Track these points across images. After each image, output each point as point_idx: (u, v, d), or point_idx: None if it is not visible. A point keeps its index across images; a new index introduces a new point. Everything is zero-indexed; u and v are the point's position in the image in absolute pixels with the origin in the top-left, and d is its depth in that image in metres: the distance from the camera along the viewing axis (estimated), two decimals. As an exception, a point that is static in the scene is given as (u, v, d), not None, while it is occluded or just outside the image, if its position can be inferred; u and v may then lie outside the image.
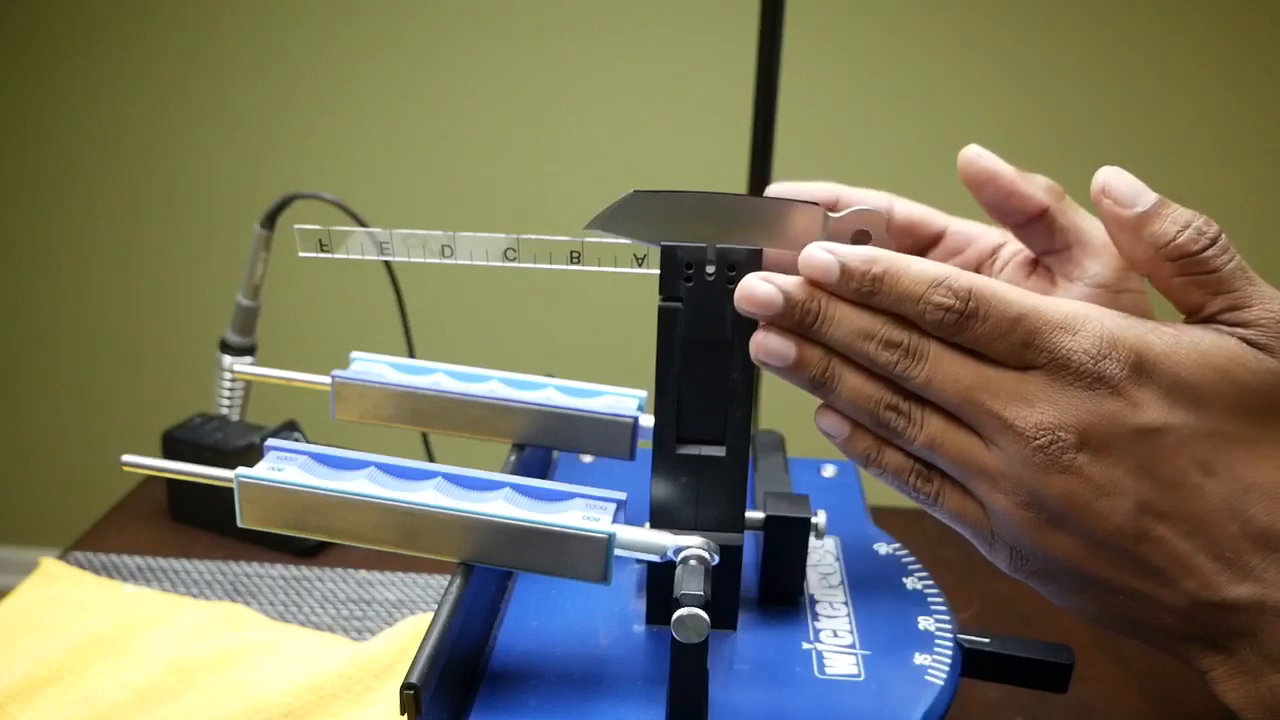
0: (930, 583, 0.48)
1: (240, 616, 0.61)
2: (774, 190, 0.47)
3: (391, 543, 0.40)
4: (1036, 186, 0.43)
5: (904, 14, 1.50)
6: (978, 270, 0.46)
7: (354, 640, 0.60)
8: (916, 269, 0.34)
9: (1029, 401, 0.33)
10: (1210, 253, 0.33)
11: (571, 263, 0.44)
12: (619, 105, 1.57)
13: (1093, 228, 0.43)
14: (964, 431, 0.34)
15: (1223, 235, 0.34)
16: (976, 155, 0.44)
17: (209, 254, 1.65)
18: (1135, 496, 0.32)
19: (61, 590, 0.63)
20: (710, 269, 0.40)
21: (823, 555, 0.50)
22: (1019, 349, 0.33)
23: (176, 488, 0.73)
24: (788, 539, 0.45)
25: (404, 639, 0.57)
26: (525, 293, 1.64)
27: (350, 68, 1.57)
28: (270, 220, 0.75)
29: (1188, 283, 0.34)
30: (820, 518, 0.45)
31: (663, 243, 0.41)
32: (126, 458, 0.43)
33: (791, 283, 0.36)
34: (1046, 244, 0.44)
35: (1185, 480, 0.32)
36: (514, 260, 0.44)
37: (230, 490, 0.40)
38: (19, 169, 1.67)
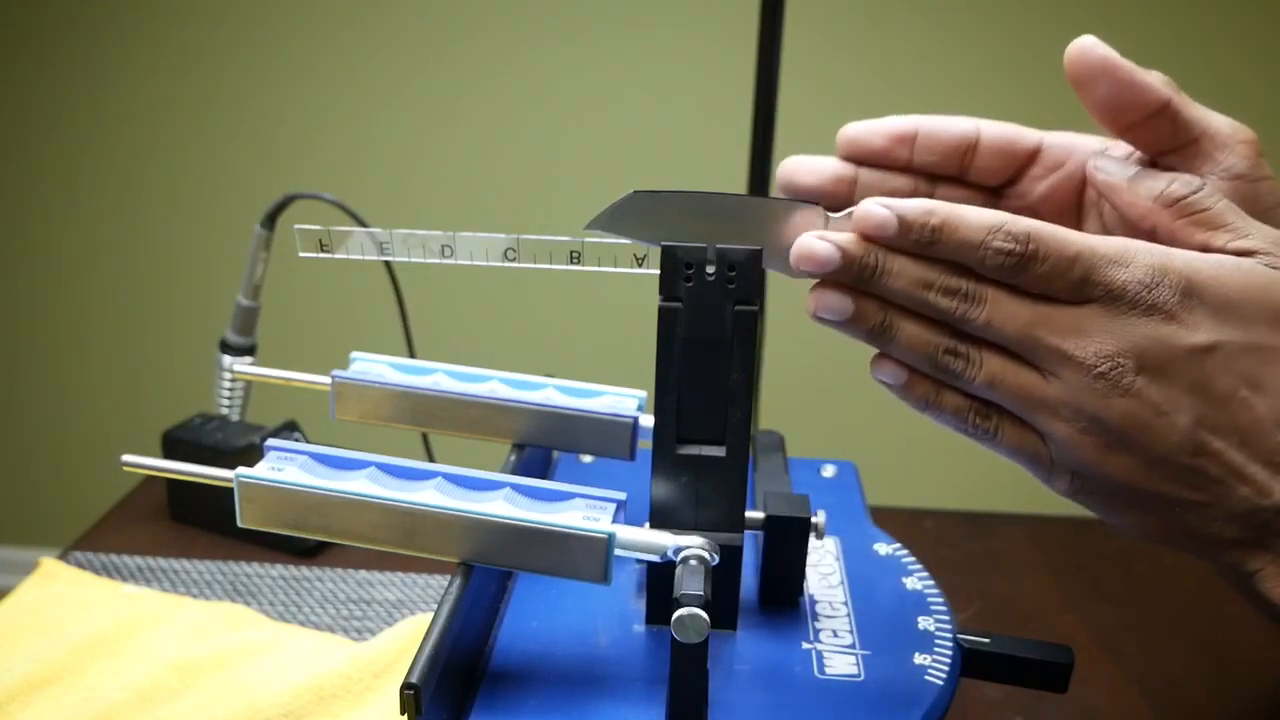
0: (930, 583, 0.48)
1: (240, 616, 0.61)
2: (847, 130, 0.47)
3: (391, 543, 0.40)
4: (1156, 79, 0.42)
5: (904, 14, 1.50)
6: (1083, 184, 0.45)
7: (354, 640, 0.60)
8: (974, 217, 0.35)
9: (1087, 333, 0.35)
10: (1200, 195, 0.37)
11: (571, 263, 0.44)
12: (619, 105, 1.57)
13: (1217, 120, 0.42)
14: (1023, 367, 0.36)
15: (1207, 183, 0.37)
16: (1092, 45, 0.43)
17: (209, 254, 1.65)
18: (1192, 413, 0.35)
19: (61, 590, 0.63)
20: (710, 269, 0.40)
21: (823, 555, 0.50)
22: (1076, 285, 0.35)
23: (176, 488, 0.73)
24: (788, 539, 0.45)
25: (404, 639, 0.57)
26: (525, 293, 1.64)
27: (350, 68, 1.57)
28: (270, 220, 0.75)
29: (1188, 223, 0.37)
30: (820, 518, 0.45)
31: (663, 243, 0.41)
32: (126, 458, 0.43)
33: (847, 239, 0.37)
34: (1169, 141, 0.41)
35: (1235, 394, 0.35)
36: (514, 260, 0.44)
37: (230, 490, 0.40)
38: (19, 169, 1.67)
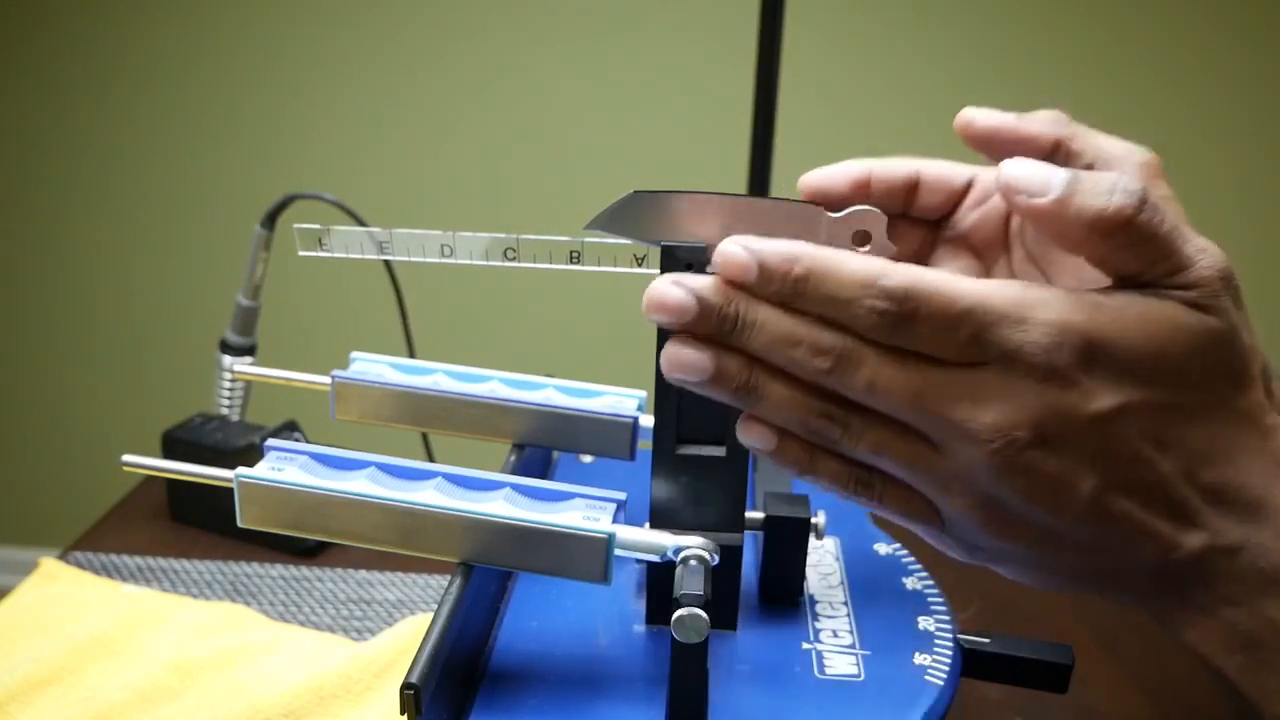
0: (930, 583, 0.48)
1: (240, 616, 0.61)
2: (809, 179, 0.44)
3: (391, 543, 0.40)
4: (1040, 123, 0.41)
5: (904, 14, 1.50)
6: (1008, 214, 0.44)
7: (354, 640, 0.60)
8: (846, 269, 0.31)
9: (980, 402, 0.31)
10: (1144, 216, 0.31)
11: (571, 263, 0.44)
12: (619, 105, 1.57)
13: (1108, 145, 0.41)
14: (910, 437, 0.33)
15: (1147, 192, 0.31)
16: (971, 119, 0.42)
17: (209, 254, 1.65)
18: (1093, 481, 0.32)
19: (61, 590, 0.63)
20: (710, 269, 0.40)
21: (823, 555, 0.50)
22: (966, 346, 0.31)
23: (176, 488, 0.73)
24: (788, 539, 0.45)
25: (404, 639, 0.57)
26: (525, 293, 1.64)
27: (350, 68, 1.57)
28: (270, 220, 0.75)
29: (1125, 253, 0.32)
30: (820, 518, 0.45)
31: (663, 243, 0.41)
32: (126, 458, 0.43)
33: (706, 285, 0.33)
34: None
35: (1139, 455, 0.32)
36: (514, 260, 0.44)
37: (230, 490, 0.40)
38: (19, 169, 1.67)
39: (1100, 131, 0.41)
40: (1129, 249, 0.32)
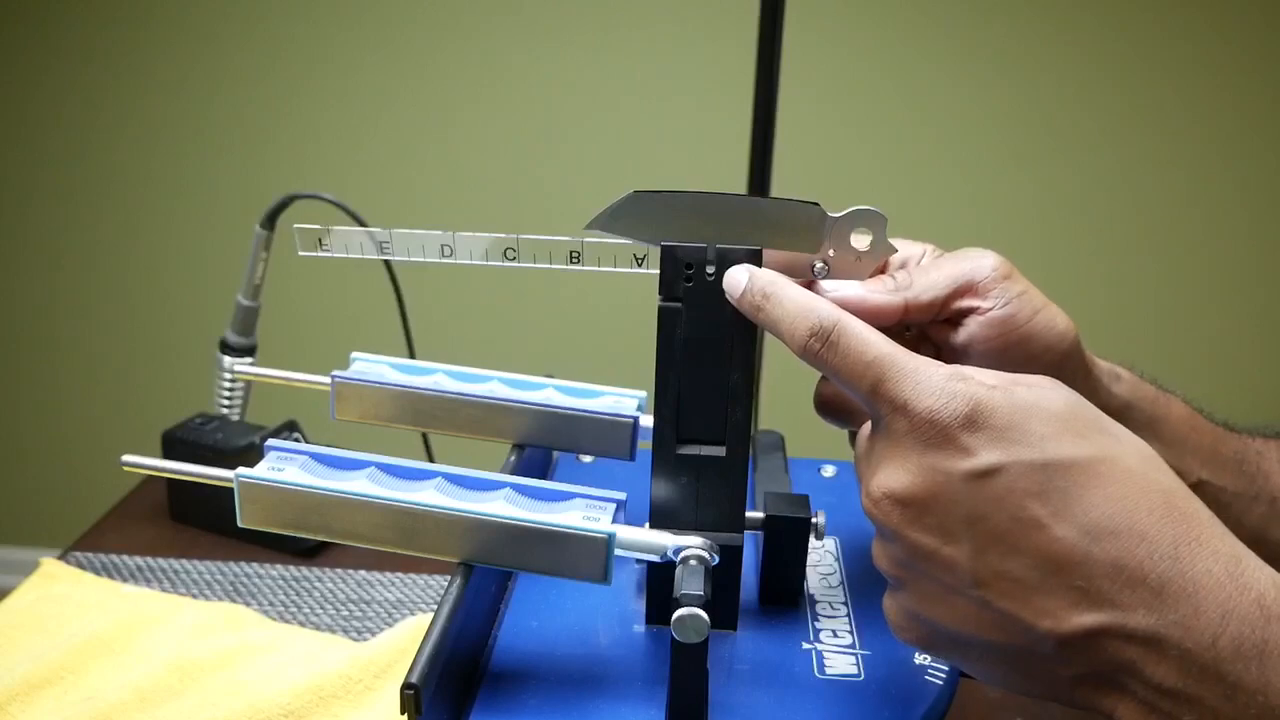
0: (930, 583, 0.48)
1: (240, 616, 0.61)
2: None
3: (391, 543, 0.40)
4: (883, 294, 0.42)
5: (904, 14, 1.50)
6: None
7: (354, 640, 0.60)
8: (796, 295, 0.37)
9: (874, 464, 0.34)
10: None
11: (571, 263, 0.44)
12: (619, 105, 1.57)
13: (953, 271, 0.42)
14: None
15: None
16: (822, 292, 0.43)
17: (209, 254, 1.65)
18: (972, 544, 0.32)
19: (61, 590, 0.63)
20: (710, 269, 0.40)
21: (823, 555, 0.50)
22: (869, 395, 0.34)
23: (176, 488, 0.73)
24: (788, 539, 0.45)
25: (404, 639, 0.57)
26: (525, 293, 1.64)
27: (350, 68, 1.57)
28: (270, 220, 0.75)
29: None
30: (820, 518, 0.45)
31: (663, 243, 0.41)
32: (126, 458, 0.43)
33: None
34: (931, 315, 0.43)
35: (1024, 515, 0.31)
36: (514, 260, 0.44)
37: (230, 490, 0.40)
38: (19, 169, 1.67)
39: (943, 259, 0.43)
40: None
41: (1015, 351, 0.42)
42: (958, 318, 0.42)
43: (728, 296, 0.40)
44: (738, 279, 0.39)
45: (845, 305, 0.40)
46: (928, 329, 0.44)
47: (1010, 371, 0.35)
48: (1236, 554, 0.31)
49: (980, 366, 0.35)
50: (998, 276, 0.42)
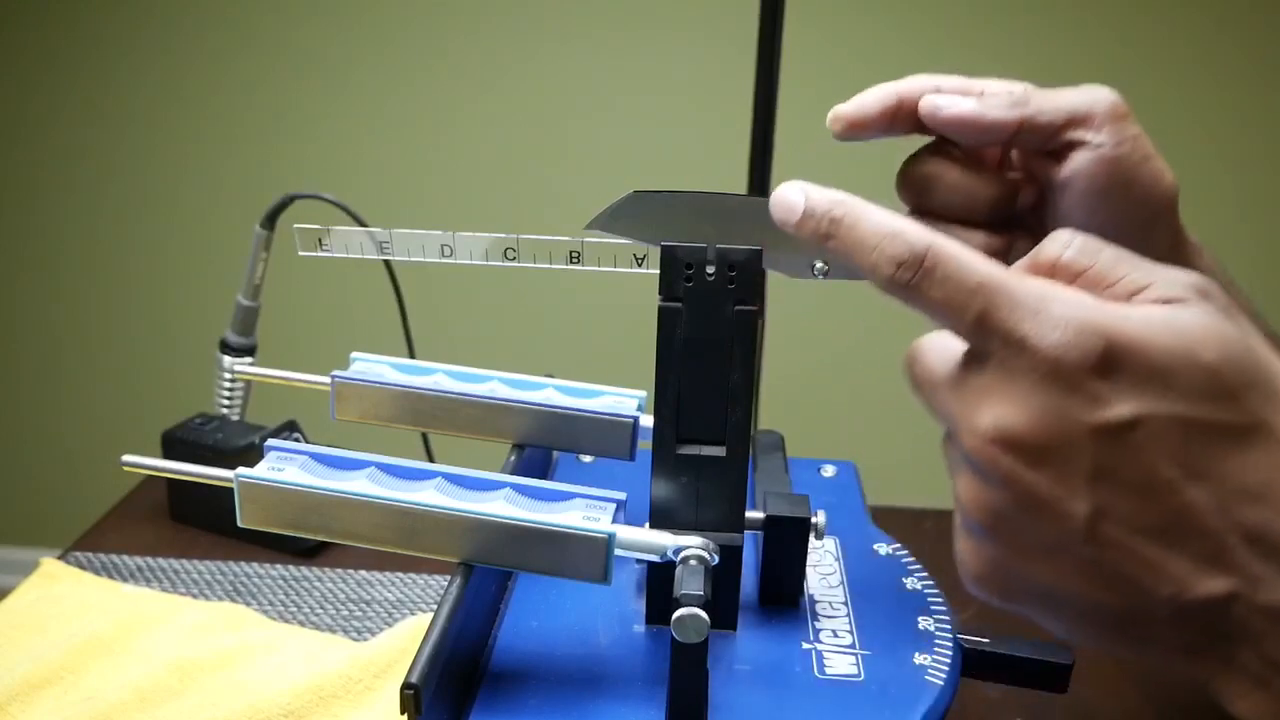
0: (930, 583, 0.48)
1: (240, 616, 0.61)
2: (842, 111, 0.44)
3: (391, 543, 0.40)
4: (1000, 109, 0.41)
5: (904, 14, 1.50)
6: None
7: (354, 640, 0.60)
8: (876, 218, 0.32)
9: (980, 398, 0.30)
10: (1073, 253, 0.32)
11: (571, 263, 0.44)
12: (619, 105, 1.57)
13: (1072, 99, 0.41)
14: (930, 409, 0.33)
15: (1076, 235, 0.32)
16: (935, 107, 0.42)
17: (209, 254, 1.65)
18: (1094, 501, 0.29)
19: (61, 590, 0.63)
20: (710, 269, 0.40)
21: (823, 555, 0.50)
22: (974, 324, 0.30)
23: (176, 488, 0.73)
24: (788, 539, 0.45)
25: (404, 639, 0.57)
26: (525, 293, 1.64)
27: (350, 68, 1.57)
28: (270, 220, 0.75)
29: (1078, 288, 0.31)
30: (820, 518, 0.45)
31: (663, 243, 0.41)
32: (126, 458, 0.43)
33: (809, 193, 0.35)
34: (1040, 143, 0.42)
35: (1156, 477, 0.29)
36: (514, 260, 0.44)
37: (230, 490, 0.40)
38: (19, 169, 1.67)
39: (1060, 89, 0.41)
40: (1075, 282, 0.31)
41: (1116, 196, 0.40)
42: (1065, 150, 0.41)
43: (776, 220, 0.35)
44: (792, 200, 0.35)
45: (960, 121, 0.39)
46: (1031, 161, 0.42)
47: (1103, 219, 0.33)
48: None
49: (1078, 206, 0.34)
50: (1115, 114, 0.40)
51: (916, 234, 0.31)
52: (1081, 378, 0.28)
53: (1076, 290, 0.30)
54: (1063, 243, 0.31)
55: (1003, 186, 0.43)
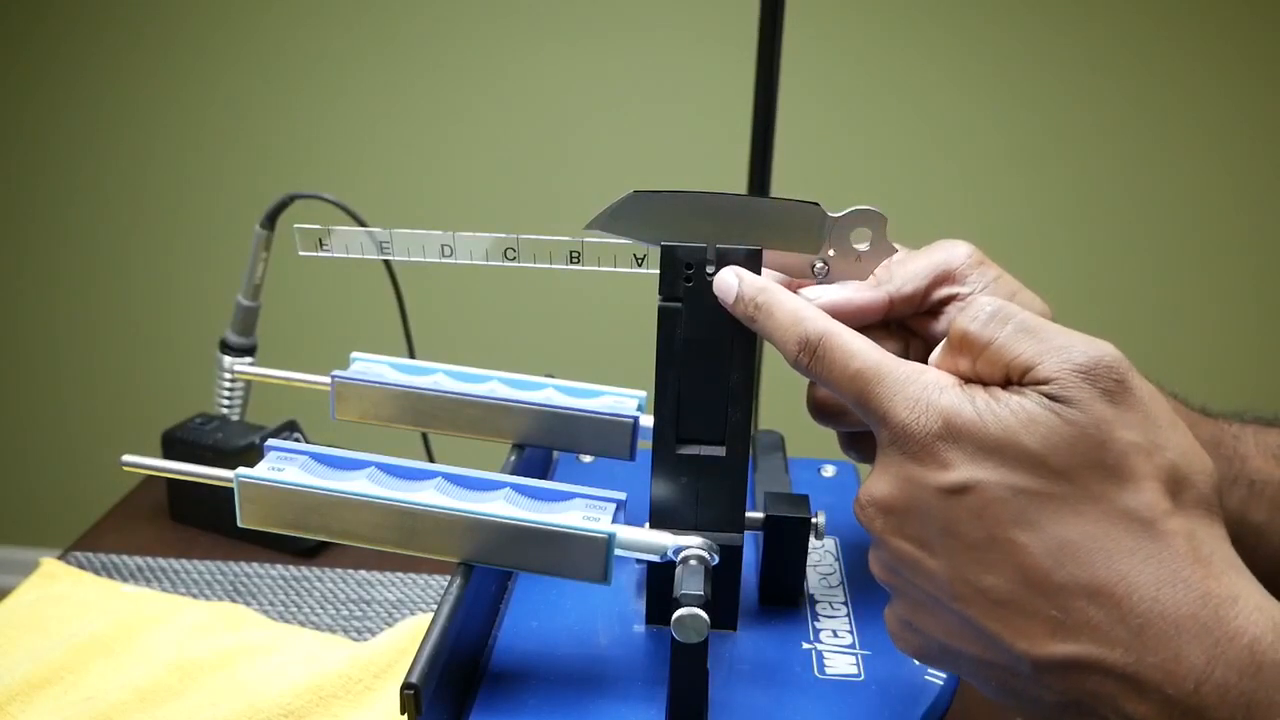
0: (930, 583, 0.48)
1: (240, 616, 0.61)
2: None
3: (391, 543, 0.40)
4: (864, 291, 0.43)
5: (904, 15, 1.50)
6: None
7: (354, 640, 0.60)
8: (788, 305, 0.37)
9: (874, 471, 0.35)
10: (976, 327, 0.33)
11: (571, 263, 0.44)
12: (619, 106, 1.57)
13: (933, 261, 0.43)
14: None
15: (993, 305, 0.34)
16: (816, 300, 0.43)
17: (209, 254, 1.65)
18: (949, 558, 0.32)
19: (61, 590, 0.63)
20: (710, 269, 0.40)
21: (823, 555, 0.50)
22: (856, 406, 0.35)
23: (176, 488, 0.73)
24: (788, 539, 0.45)
25: (404, 639, 0.57)
26: (525, 293, 1.64)
27: (350, 68, 1.57)
28: (270, 220, 0.75)
29: (982, 362, 0.33)
30: (820, 518, 0.45)
31: (663, 243, 0.41)
32: (126, 458, 0.43)
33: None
34: (914, 308, 0.44)
35: (999, 536, 0.31)
36: (514, 260, 0.44)
37: (230, 490, 0.40)
38: (19, 168, 1.67)
39: (915, 253, 0.44)
40: (976, 362, 0.34)
41: None
42: (939, 307, 0.43)
43: (720, 300, 0.40)
44: (728, 284, 0.40)
45: (832, 308, 0.41)
46: (912, 323, 0.45)
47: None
48: (1234, 594, 0.29)
49: None
50: (972, 262, 0.43)
51: (814, 322, 0.36)
52: (928, 444, 0.32)
53: (941, 373, 0.34)
54: (970, 317, 0.34)
55: (897, 344, 0.45)
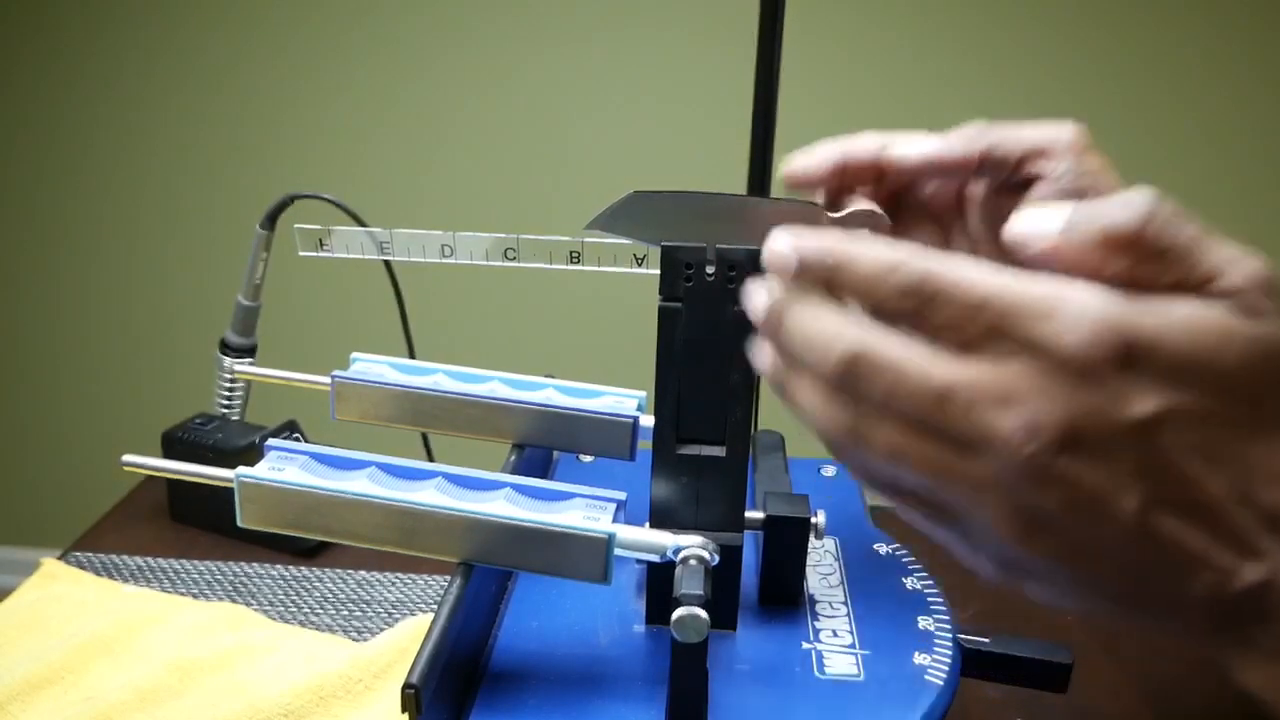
0: (930, 583, 0.48)
1: (240, 616, 0.61)
2: (792, 169, 0.43)
3: (391, 543, 0.40)
4: (962, 144, 0.41)
5: (904, 15, 1.50)
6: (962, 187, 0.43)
7: (354, 640, 0.60)
8: (870, 255, 0.31)
9: (1008, 402, 0.29)
10: (1153, 229, 0.29)
11: (571, 263, 0.44)
12: (619, 106, 1.57)
13: (1032, 134, 0.40)
14: (933, 442, 0.31)
15: (1165, 202, 0.30)
16: (900, 157, 0.42)
17: (209, 254, 1.65)
18: (1138, 497, 0.29)
19: (62, 590, 0.63)
20: (710, 269, 0.40)
21: (823, 555, 0.50)
22: (989, 337, 0.29)
23: (176, 488, 0.73)
24: (788, 539, 0.45)
25: (404, 639, 0.57)
26: (525, 293, 1.64)
27: (351, 68, 1.57)
28: (270, 220, 0.75)
29: (1144, 268, 0.30)
30: (820, 518, 0.45)
31: (663, 243, 0.41)
32: (126, 458, 0.43)
33: (760, 289, 0.35)
34: (1000, 176, 0.42)
35: (1188, 469, 0.29)
36: (514, 260, 0.44)
37: (230, 490, 0.40)
38: (19, 168, 1.67)
39: (1021, 122, 0.41)
40: (1145, 264, 0.30)
41: None
42: (1025, 184, 0.40)
43: (777, 273, 0.34)
44: (782, 254, 0.33)
45: (926, 160, 0.39)
46: (992, 196, 0.42)
47: None
48: None
49: None
50: (1076, 147, 0.39)
51: (910, 264, 0.30)
52: (1110, 373, 0.28)
53: (1081, 283, 0.29)
54: (1141, 213, 0.29)
55: (936, 235, 0.44)
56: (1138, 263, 0.30)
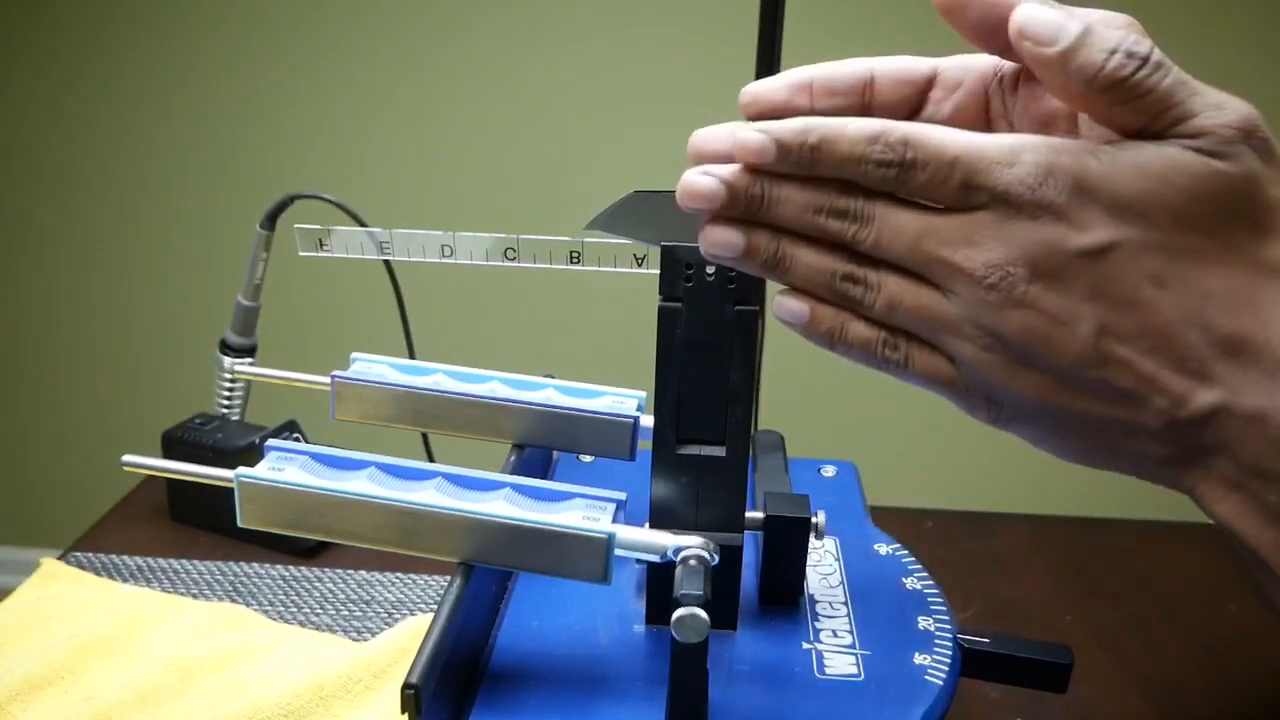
0: (930, 583, 0.48)
1: (240, 616, 0.61)
2: (746, 91, 0.42)
3: (391, 543, 0.40)
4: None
5: (904, 15, 1.50)
6: (986, 98, 0.43)
7: (354, 640, 0.60)
8: (852, 129, 0.34)
9: (975, 242, 0.33)
10: (1142, 74, 0.32)
11: (571, 263, 0.44)
12: (619, 105, 1.57)
13: (1088, 14, 0.41)
14: (921, 285, 0.34)
15: (1155, 51, 0.32)
16: (937, 65, 0.42)
17: (209, 254, 1.65)
18: (1093, 320, 0.32)
19: (61, 590, 0.63)
20: (710, 269, 0.40)
21: (823, 555, 0.50)
22: (960, 191, 0.33)
23: (176, 488, 0.73)
24: (788, 539, 0.45)
25: (404, 639, 0.57)
26: (525, 293, 1.64)
27: (350, 68, 1.57)
28: (270, 220, 0.75)
29: (1126, 110, 0.32)
30: (820, 518, 0.45)
31: (663, 243, 0.41)
32: (126, 458, 0.43)
33: (730, 171, 0.35)
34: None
35: (1138, 295, 0.32)
36: (514, 260, 0.44)
37: (230, 490, 0.40)
38: (18, 168, 1.67)
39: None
40: (1125, 104, 0.32)
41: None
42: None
43: (748, 161, 0.35)
44: (756, 142, 0.35)
45: (956, 64, 0.40)
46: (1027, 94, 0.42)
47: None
48: None
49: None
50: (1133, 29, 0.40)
51: (893, 131, 0.33)
52: (1061, 208, 0.32)
53: (1038, 136, 0.33)
54: (1130, 59, 0.32)
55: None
56: (1116, 103, 0.32)
